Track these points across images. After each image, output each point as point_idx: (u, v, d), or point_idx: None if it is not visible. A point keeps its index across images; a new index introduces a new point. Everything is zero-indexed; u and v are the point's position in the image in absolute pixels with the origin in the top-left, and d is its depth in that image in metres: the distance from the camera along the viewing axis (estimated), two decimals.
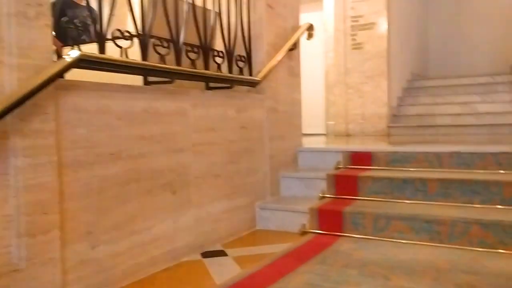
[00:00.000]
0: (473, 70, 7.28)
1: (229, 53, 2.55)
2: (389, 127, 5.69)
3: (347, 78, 5.89)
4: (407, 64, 6.73)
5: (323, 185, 2.77)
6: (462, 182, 2.37)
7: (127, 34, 1.90)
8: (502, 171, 2.48)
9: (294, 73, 3.15)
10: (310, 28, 3.16)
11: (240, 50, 2.69)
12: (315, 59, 6.68)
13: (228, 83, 2.44)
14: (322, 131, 6.56)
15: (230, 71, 2.56)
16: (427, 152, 2.71)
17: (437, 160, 2.67)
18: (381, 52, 5.67)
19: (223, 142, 2.41)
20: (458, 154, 2.61)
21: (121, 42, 1.87)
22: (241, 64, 2.66)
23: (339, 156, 2.99)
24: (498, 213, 2.17)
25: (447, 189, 2.41)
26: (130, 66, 1.86)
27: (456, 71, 7.44)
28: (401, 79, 6.43)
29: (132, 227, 1.83)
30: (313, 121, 6.71)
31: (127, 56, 1.85)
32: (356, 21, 5.78)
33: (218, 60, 2.49)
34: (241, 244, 2.37)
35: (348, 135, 5.86)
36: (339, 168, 2.94)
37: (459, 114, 5.59)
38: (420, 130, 5.51)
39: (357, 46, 5.82)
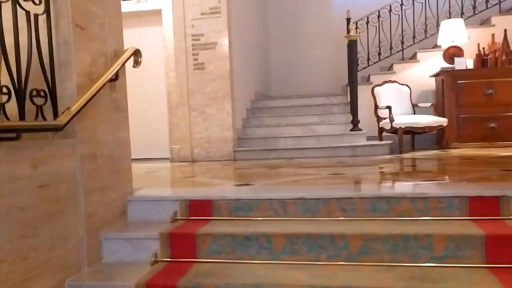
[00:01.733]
0: (311, 89, 7.61)
1: (18, 88, 1.91)
2: (235, 151, 5.48)
3: (191, 100, 5.52)
4: (251, 84, 6.66)
5: (156, 246, 2.29)
6: (308, 236, 2.14)
7: None
8: (345, 218, 2.33)
9: (119, 107, 2.61)
10: (136, 53, 2.66)
11: (40, 83, 2.06)
12: (157, 79, 6.17)
13: (11, 133, 1.80)
14: (167, 155, 6.06)
15: (21, 112, 1.91)
16: (271, 199, 2.44)
17: (282, 207, 2.42)
18: (224, 73, 5.44)
19: (8, 212, 1.76)
20: (303, 200, 2.39)
21: None
22: (39, 100, 2.03)
23: (176, 205, 2.55)
24: (344, 271, 1.98)
25: (293, 245, 2.15)
26: None
27: (297, 90, 7.69)
28: (245, 100, 6.31)
29: None
30: (157, 145, 6.17)
31: None
32: (198, 39, 5.45)
33: (3, 98, 1.83)
34: None
35: (193, 161, 5.48)
36: (177, 220, 2.50)
37: (300, 137, 5.66)
38: (264, 153, 5.41)
39: (199, 66, 5.49)
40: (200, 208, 2.52)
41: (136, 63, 2.68)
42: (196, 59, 5.50)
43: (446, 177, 3.13)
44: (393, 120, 5.40)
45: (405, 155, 4.94)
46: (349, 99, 5.89)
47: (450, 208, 2.25)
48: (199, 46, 5.48)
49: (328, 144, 5.39)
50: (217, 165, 4.81)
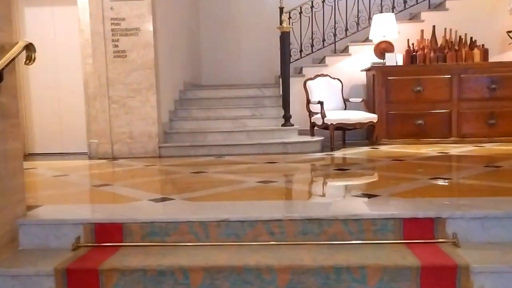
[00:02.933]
0: (243, 79, 7.33)
1: None
2: (160, 147, 5.09)
3: (111, 91, 5.03)
4: (179, 73, 6.24)
5: (50, 284, 1.92)
6: (231, 269, 1.88)
7: None
8: (274, 242, 2.09)
9: (6, 114, 2.16)
10: (29, 48, 2.21)
11: None
12: (72, 66, 5.57)
13: None
14: (85, 149, 5.52)
15: None
16: (191, 222, 2.14)
17: (204, 231, 2.14)
18: (148, 63, 4.99)
19: None
20: (227, 223, 2.12)
21: None
22: None
23: (79, 229, 2.17)
24: None
25: (214, 280, 1.88)
26: None
27: (229, 79, 7.38)
28: (173, 90, 5.90)
29: None
30: (74, 138, 5.61)
31: None
32: (118, 24, 4.94)
33: None
34: None
35: (114, 158, 5.02)
36: (79, 247, 2.13)
37: (230, 131, 5.38)
38: (192, 150, 5.09)
39: (120, 54, 4.99)
40: (108, 233, 2.17)
41: (29, 60, 2.24)
42: (116, 46, 4.99)
43: (379, 190, 2.97)
44: (325, 116, 5.28)
45: (336, 153, 4.84)
46: (281, 92, 5.69)
47: (384, 230, 2.09)
48: (119, 32, 4.96)
49: (259, 140, 5.17)
50: (139, 164, 4.41)
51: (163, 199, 2.61)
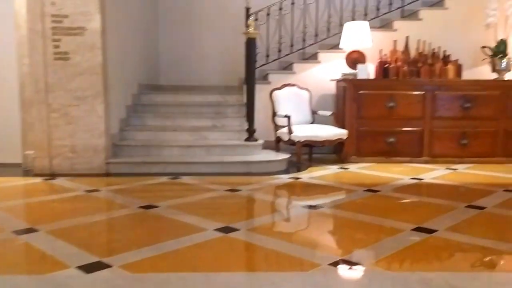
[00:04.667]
0: (206, 80, 6.80)
1: None
2: (108, 163, 4.52)
3: (50, 97, 4.41)
4: (133, 76, 5.64)
5: None
6: None
7: None
8: None
9: None
10: None
11: None
12: (6, 65, 4.87)
13: None
14: (19, 160, 4.86)
15: None
16: None
17: None
18: (95, 67, 4.40)
19: None
20: None
21: None
22: None
23: None
24: None
25: None
26: None
27: (189, 80, 6.82)
28: (124, 95, 5.31)
29: None
30: (7, 147, 4.93)
31: None
32: (60, 22, 4.31)
33: None
34: None
35: (53, 174, 4.43)
36: None
37: (189, 146, 4.89)
38: (145, 167, 4.57)
39: (62, 56, 4.38)
40: None
41: None
42: (57, 47, 4.34)
43: (357, 254, 2.47)
44: (292, 132, 4.87)
45: (303, 176, 4.44)
46: (245, 100, 5.22)
47: None
48: (61, 31, 4.32)
49: (220, 158, 4.69)
50: (80, 188, 3.83)
51: (97, 267, 2.08)
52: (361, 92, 5.13)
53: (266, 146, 5.23)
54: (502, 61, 5.30)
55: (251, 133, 5.02)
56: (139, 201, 3.36)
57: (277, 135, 5.25)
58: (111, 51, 4.59)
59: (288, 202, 3.79)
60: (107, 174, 4.46)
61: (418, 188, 3.98)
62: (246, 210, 3.52)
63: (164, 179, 4.24)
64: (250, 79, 5.07)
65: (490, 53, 5.42)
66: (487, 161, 5.08)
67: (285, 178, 4.35)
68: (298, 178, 4.32)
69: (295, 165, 4.84)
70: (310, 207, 3.27)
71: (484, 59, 5.49)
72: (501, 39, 5.35)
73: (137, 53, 5.81)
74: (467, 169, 4.80)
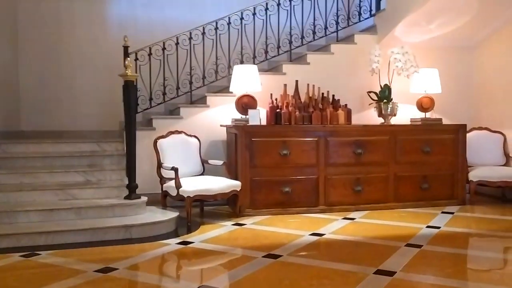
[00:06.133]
0: (79, 124, 5.93)
1: None
2: None
3: None
4: None
5: None
6: None
7: None
8: None
9: None
10: None
11: None
12: None
13: None
14: None
15: None
16: None
17: None
18: None
19: None
20: None
21: None
22: None
23: None
24: None
25: None
26: None
27: (58, 125, 5.89)
28: None
29: None
30: None
31: None
32: None
33: None
34: None
35: None
36: None
37: (52, 209, 4.02)
38: None
39: None
40: None
41: None
42: None
43: None
44: (180, 187, 4.29)
45: (194, 240, 3.86)
46: (125, 148, 4.53)
47: None
48: None
49: (92, 223, 3.89)
50: None
51: None
52: (253, 139, 4.78)
53: (152, 200, 4.57)
54: (388, 106, 5.39)
55: (132, 190, 4.33)
56: None
57: (164, 189, 4.62)
58: None
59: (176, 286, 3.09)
60: None
61: (320, 248, 3.65)
62: None
63: (15, 257, 3.32)
64: (130, 127, 4.43)
65: (375, 98, 5.50)
66: (380, 207, 5.02)
67: (173, 243, 3.72)
68: (189, 243, 3.72)
69: (185, 224, 4.25)
70: None
71: (370, 104, 5.56)
72: (385, 84, 5.47)
73: None
74: (363, 217, 4.65)
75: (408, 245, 3.58)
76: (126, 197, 4.30)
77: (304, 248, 3.54)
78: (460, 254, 3.52)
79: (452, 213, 4.82)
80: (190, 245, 3.67)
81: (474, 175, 5.22)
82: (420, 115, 5.66)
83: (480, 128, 5.74)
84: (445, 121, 5.60)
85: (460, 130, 5.31)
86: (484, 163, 5.47)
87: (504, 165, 5.54)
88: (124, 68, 4.43)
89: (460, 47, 6.05)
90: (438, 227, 4.17)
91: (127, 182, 4.39)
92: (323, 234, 3.96)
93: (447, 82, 5.79)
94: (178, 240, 3.82)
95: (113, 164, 4.86)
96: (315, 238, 3.85)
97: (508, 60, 5.62)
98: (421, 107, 5.65)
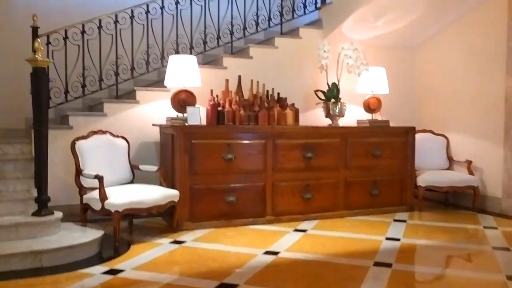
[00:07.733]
0: None
1: None
2: None
3: None
4: None
5: None
6: None
7: None
8: None
9: None
10: None
11: None
12: None
13: None
14: None
15: None
16: None
17: None
18: None
19: None
20: None
21: None
22: None
23: None
24: None
25: None
26: None
27: None
28: None
29: None
30: None
31: None
32: None
33: None
34: None
35: None
36: None
37: None
38: None
39: None
40: None
41: None
42: None
43: None
44: (106, 199, 3.53)
45: (123, 267, 3.14)
46: (34, 151, 3.66)
47: None
48: None
49: None
50: None
51: None
52: (194, 141, 4.13)
53: (68, 214, 3.76)
54: (336, 106, 5.02)
55: (42, 204, 3.48)
56: None
57: (84, 202, 3.82)
58: None
59: None
60: None
61: (280, 272, 3.08)
62: None
63: None
64: (40, 126, 3.56)
65: (323, 97, 5.11)
66: (330, 215, 4.63)
67: (98, 273, 2.96)
68: (118, 272, 3.00)
69: (111, 244, 3.49)
70: None
71: (318, 103, 5.15)
72: (333, 83, 5.09)
73: None
74: (315, 228, 4.22)
75: (377, 264, 3.17)
76: (34, 214, 3.43)
77: (262, 273, 2.99)
78: (437, 274, 3.15)
79: (405, 221, 4.56)
80: (120, 275, 2.95)
81: (423, 180, 5.02)
82: (367, 116, 5.38)
83: (424, 131, 5.59)
84: (392, 124, 5.37)
85: (409, 133, 5.09)
86: (429, 167, 5.31)
87: (448, 168, 5.44)
88: (33, 52, 3.55)
89: (404, 47, 5.89)
90: (398, 239, 3.85)
91: (36, 194, 3.53)
92: (278, 252, 3.44)
93: (392, 83, 5.57)
94: (103, 268, 3.07)
95: (18, 171, 3.94)
96: (271, 257, 3.32)
97: (449, 61, 5.54)
98: (368, 108, 5.37)
